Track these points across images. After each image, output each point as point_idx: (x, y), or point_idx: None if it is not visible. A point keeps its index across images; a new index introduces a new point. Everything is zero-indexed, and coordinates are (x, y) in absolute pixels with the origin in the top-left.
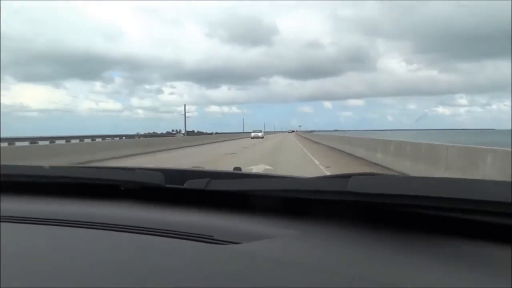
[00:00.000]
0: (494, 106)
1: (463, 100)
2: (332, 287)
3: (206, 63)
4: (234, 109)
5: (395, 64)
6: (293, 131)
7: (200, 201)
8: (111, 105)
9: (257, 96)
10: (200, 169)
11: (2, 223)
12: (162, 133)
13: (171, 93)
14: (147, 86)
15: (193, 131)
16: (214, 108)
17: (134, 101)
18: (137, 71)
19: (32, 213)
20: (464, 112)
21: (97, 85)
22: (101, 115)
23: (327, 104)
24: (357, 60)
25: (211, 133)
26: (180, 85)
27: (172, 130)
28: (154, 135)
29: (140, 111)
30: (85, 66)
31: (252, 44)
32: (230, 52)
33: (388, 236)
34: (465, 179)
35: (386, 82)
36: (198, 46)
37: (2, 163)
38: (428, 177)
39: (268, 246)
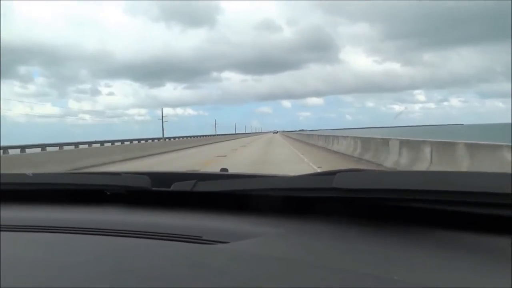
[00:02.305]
0: (452, 102)
1: (421, 96)
2: (322, 283)
3: (141, 53)
4: (190, 111)
5: (360, 53)
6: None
7: (188, 203)
8: (49, 109)
9: (211, 96)
10: (186, 171)
11: None
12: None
13: (110, 94)
14: (79, 86)
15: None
16: (167, 111)
17: (72, 104)
18: (59, 66)
19: (17, 221)
20: (418, 108)
21: (16, 85)
22: (42, 121)
23: (286, 103)
24: (319, 49)
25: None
26: (117, 84)
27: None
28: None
29: (87, 116)
30: None
31: (191, 24)
32: (167, 37)
33: (375, 230)
34: (452, 172)
35: (347, 77)
36: (124, 29)
37: None
38: (414, 171)
39: (257, 245)
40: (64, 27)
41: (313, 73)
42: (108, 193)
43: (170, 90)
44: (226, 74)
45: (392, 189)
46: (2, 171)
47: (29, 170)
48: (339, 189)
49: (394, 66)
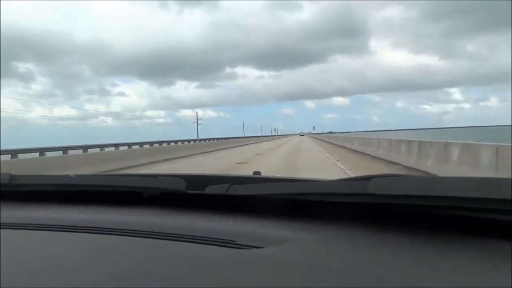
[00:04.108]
0: (491, 101)
1: (457, 95)
2: None
3: (140, 43)
4: (210, 112)
5: (394, 41)
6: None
7: (222, 206)
8: (67, 111)
9: (229, 96)
10: (221, 174)
11: (22, 230)
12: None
13: (120, 94)
14: (86, 86)
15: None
16: (186, 112)
17: (88, 106)
18: (54, 62)
19: (56, 221)
20: (452, 109)
21: (18, 85)
22: (64, 124)
23: (309, 104)
24: (346, 34)
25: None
26: (125, 84)
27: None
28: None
29: (109, 119)
30: None
31: (191, 4)
32: (166, 22)
33: (412, 237)
34: (488, 178)
35: (376, 73)
36: (118, 15)
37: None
38: (454, 177)
39: (291, 250)
40: (49, 14)
41: (338, 68)
42: (145, 195)
43: (181, 89)
44: (240, 70)
45: (431, 196)
46: (35, 173)
47: (70, 172)
48: (376, 195)
49: (431, 60)
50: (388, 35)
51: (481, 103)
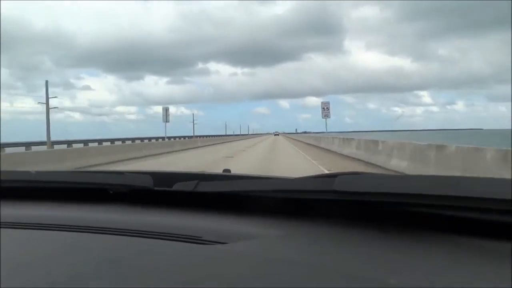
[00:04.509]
0: (459, 105)
1: (427, 98)
2: (320, 285)
3: (103, 33)
4: (183, 109)
5: (368, 42)
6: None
7: (189, 203)
8: (29, 105)
9: (203, 93)
10: (189, 171)
11: None
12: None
13: (85, 88)
14: (52, 79)
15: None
16: (157, 109)
17: (52, 100)
18: (11, 51)
19: (19, 218)
20: (421, 112)
21: None
22: (26, 118)
23: (284, 103)
24: (321, 32)
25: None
26: (90, 77)
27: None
28: None
29: (76, 114)
30: None
31: None
32: (132, 9)
33: (374, 234)
34: (451, 176)
35: (350, 74)
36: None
37: None
38: (415, 175)
39: (256, 246)
40: None
41: (313, 67)
42: (111, 192)
43: (151, 84)
44: (213, 66)
45: (392, 193)
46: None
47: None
48: (339, 192)
49: (404, 62)
50: (363, 35)
51: (448, 107)
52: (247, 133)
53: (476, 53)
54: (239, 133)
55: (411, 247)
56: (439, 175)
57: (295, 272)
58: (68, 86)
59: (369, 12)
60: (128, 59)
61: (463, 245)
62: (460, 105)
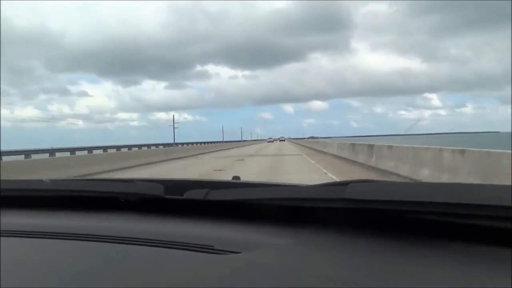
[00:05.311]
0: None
1: (435, 101)
2: None
3: (94, 32)
4: (186, 115)
5: (378, 42)
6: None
7: (200, 212)
8: (30, 112)
9: (204, 98)
10: (199, 179)
11: (2, 238)
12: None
13: (82, 94)
14: (42, 85)
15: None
16: (160, 115)
17: (52, 107)
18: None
19: (31, 227)
20: (428, 115)
21: None
22: (31, 126)
23: (288, 108)
24: (326, 28)
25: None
26: (86, 83)
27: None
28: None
29: (80, 121)
30: None
31: None
32: (121, 4)
33: (387, 242)
34: (464, 184)
35: (356, 77)
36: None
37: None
38: (427, 183)
39: (268, 255)
40: None
41: (318, 68)
42: (121, 200)
43: (149, 90)
44: (212, 68)
45: (404, 201)
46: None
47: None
48: (351, 200)
49: (414, 63)
50: (372, 32)
51: (457, 110)
52: (249, 139)
53: (488, 50)
54: (240, 139)
55: (422, 256)
56: (451, 182)
57: (308, 281)
58: (64, 92)
59: (379, 5)
60: (121, 59)
61: (474, 253)
62: (469, 108)
